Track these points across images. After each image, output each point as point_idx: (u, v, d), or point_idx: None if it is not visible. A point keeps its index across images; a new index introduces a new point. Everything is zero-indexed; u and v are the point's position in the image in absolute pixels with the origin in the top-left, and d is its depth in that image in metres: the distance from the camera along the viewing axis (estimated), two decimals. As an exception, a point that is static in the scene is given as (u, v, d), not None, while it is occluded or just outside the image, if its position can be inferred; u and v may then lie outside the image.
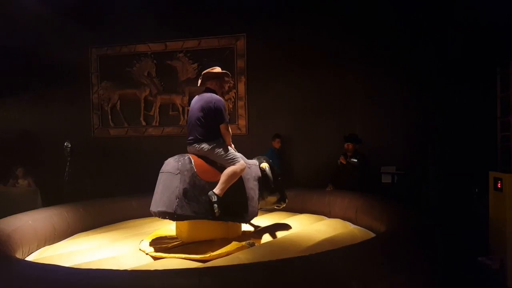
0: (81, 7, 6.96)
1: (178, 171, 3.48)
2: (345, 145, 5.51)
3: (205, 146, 3.64)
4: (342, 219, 4.59)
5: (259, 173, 4.02)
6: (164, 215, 3.40)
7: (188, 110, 4.33)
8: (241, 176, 3.74)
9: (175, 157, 3.65)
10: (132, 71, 7.17)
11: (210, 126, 3.67)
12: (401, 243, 2.84)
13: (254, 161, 4.11)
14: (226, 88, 6.64)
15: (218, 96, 3.75)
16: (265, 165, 4.09)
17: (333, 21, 6.26)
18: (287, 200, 4.31)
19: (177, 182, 3.43)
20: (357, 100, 6.30)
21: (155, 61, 7.10)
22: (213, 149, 3.64)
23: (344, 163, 5.47)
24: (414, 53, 5.96)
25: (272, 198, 4.18)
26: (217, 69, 3.83)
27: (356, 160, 5.38)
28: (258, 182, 3.97)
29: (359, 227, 4.29)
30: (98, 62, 7.31)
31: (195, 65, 6.89)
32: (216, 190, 3.47)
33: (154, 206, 3.50)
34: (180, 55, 6.97)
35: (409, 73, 5.98)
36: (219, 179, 3.54)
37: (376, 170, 5.71)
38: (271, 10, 6.51)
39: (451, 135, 5.71)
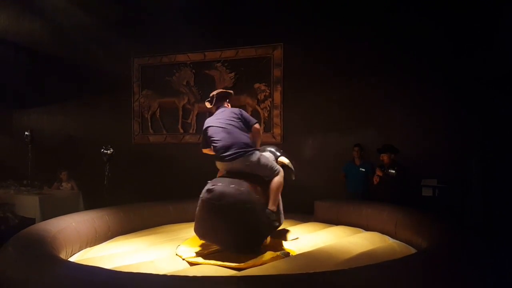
0: (125, 20, 7.32)
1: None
2: (380, 157, 5.44)
3: (253, 158, 3.57)
4: (380, 232, 4.44)
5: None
6: None
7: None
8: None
9: (231, 185, 3.39)
10: (171, 80, 7.38)
11: (247, 136, 3.69)
12: (446, 260, 2.69)
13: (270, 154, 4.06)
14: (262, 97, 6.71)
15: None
16: (282, 159, 4.07)
17: (372, 29, 6.12)
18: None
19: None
20: (397, 110, 6.09)
21: (193, 71, 7.26)
22: (259, 160, 3.62)
23: (381, 175, 5.33)
24: (457, 63, 5.70)
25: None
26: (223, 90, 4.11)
27: (394, 171, 5.23)
28: None
29: (398, 241, 4.13)
30: (140, 71, 7.59)
31: (232, 74, 6.99)
32: (271, 207, 3.57)
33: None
34: (218, 64, 7.09)
35: (452, 83, 5.73)
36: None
37: (416, 183, 5.49)
38: (308, 19, 6.50)
39: (497, 147, 5.39)
